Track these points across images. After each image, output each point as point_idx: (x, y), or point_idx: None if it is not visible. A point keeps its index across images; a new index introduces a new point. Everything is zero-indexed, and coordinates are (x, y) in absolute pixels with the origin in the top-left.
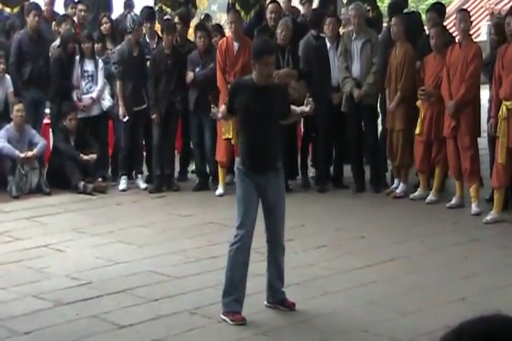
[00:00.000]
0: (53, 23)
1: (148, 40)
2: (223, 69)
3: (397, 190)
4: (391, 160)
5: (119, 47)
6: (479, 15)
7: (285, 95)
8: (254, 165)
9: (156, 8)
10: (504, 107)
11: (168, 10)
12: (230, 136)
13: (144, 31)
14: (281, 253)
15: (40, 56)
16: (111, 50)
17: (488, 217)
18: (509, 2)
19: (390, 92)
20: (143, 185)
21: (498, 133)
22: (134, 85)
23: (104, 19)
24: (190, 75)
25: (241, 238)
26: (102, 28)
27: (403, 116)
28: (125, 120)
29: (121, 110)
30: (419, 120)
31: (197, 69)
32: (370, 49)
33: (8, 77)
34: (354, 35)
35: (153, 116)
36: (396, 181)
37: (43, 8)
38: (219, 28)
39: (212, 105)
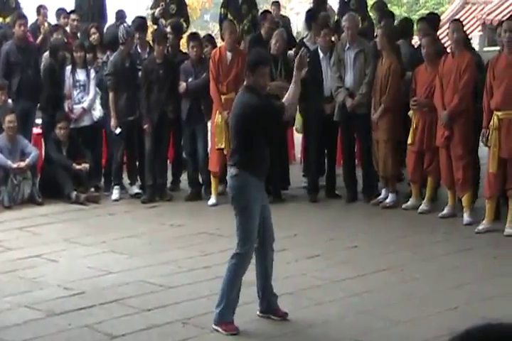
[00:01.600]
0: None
1: (139, 50)
2: (216, 79)
3: (387, 200)
4: (378, 171)
5: (112, 58)
6: (471, 26)
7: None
8: (261, 170)
9: (149, 17)
10: (495, 117)
11: (162, 20)
12: (223, 146)
13: (136, 41)
14: (272, 256)
15: (29, 66)
16: (101, 59)
17: (480, 227)
18: (501, 13)
19: (375, 103)
20: (136, 190)
21: (489, 143)
22: (128, 95)
23: (93, 30)
24: (182, 85)
25: (248, 254)
26: (90, 38)
27: (387, 127)
28: (117, 132)
29: (112, 122)
30: (411, 130)
31: (190, 80)
32: (363, 59)
33: None
34: (347, 45)
35: (145, 126)
36: (384, 191)
37: (38, 17)
38: (210, 38)
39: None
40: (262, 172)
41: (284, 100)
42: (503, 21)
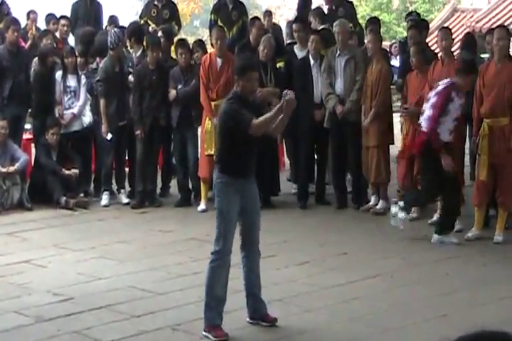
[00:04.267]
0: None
1: (134, 54)
2: (206, 85)
3: (377, 207)
4: (367, 177)
5: (102, 64)
6: (460, 33)
7: (263, 112)
8: (238, 170)
9: (142, 22)
10: (485, 124)
11: (153, 25)
12: (212, 152)
13: (128, 46)
14: (258, 259)
15: (20, 71)
16: (91, 63)
17: (470, 234)
18: (490, 20)
19: (365, 109)
20: (125, 200)
21: (479, 150)
22: (118, 101)
23: (63, 21)
24: (172, 93)
25: (222, 253)
26: (58, 30)
27: (377, 133)
28: (109, 138)
29: (104, 127)
30: (401, 137)
31: (179, 86)
32: (353, 66)
33: None
34: (338, 51)
35: (137, 132)
36: (373, 198)
37: (27, 22)
38: (201, 43)
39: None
40: (238, 175)
41: (262, 119)
42: (493, 29)
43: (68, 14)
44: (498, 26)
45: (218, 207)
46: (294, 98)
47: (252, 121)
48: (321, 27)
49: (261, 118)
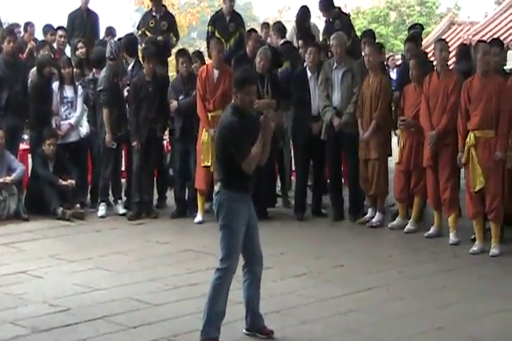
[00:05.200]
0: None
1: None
2: (203, 97)
3: (374, 220)
4: (365, 190)
5: (103, 73)
6: (457, 46)
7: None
8: (245, 185)
9: (139, 32)
10: (472, 135)
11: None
12: (209, 164)
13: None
14: (261, 272)
15: (17, 82)
16: (88, 76)
17: (475, 248)
18: (487, 33)
19: (362, 122)
20: (122, 211)
21: (464, 160)
22: (118, 111)
23: (80, 44)
24: (174, 104)
25: (229, 270)
26: (77, 52)
27: (378, 145)
28: (114, 146)
29: (108, 137)
30: (398, 149)
31: (180, 97)
32: (350, 78)
33: None
34: (335, 64)
35: (134, 144)
36: (370, 211)
37: (24, 34)
38: (199, 54)
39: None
40: (244, 189)
41: (251, 154)
42: (476, 43)
43: (65, 24)
44: (479, 41)
45: (227, 225)
46: (270, 121)
47: (247, 156)
48: (282, 41)
49: (250, 155)
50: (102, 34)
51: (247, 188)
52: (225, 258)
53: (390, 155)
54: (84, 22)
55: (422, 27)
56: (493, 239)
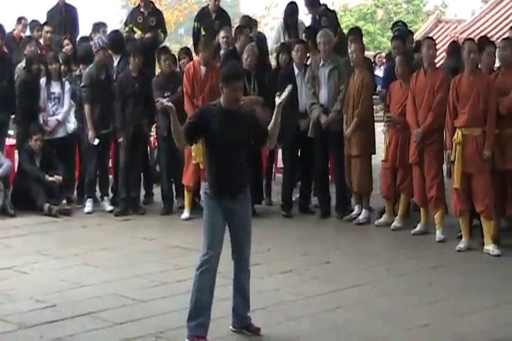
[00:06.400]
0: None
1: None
2: (191, 94)
3: (360, 217)
4: (350, 187)
5: (87, 69)
6: (444, 44)
7: (256, 120)
8: (222, 189)
9: (127, 29)
10: (459, 132)
11: (139, 32)
12: (200, 161)
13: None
14: (246, 278)
15: (4, 78)
16: (75, 71)
17: (461, 245)
18: (474, 31)
19: (347, 118)
20: (109, 207)
21: (452, 157)
22: (102, 108)
23: (66, 41)
24: (161, 101)
25: (207, 261)
26: (63, 50)
27: (360, 142)
28: (96, 143)
29: (90, 133)
30: (384, 146)
31: (166, 94)
32: (337, 76)
33: None
34: (322, 61)
35: (120, 140)
36: (356, 208)
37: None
38: (187, 50)
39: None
40: (220, 187)
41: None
42: (464, 41)
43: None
44: (466, 39)
45: (204, 220)
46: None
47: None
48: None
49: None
50: (82, 26)
51: (223, 185)
52: (203, 249)
53: (374, 152)
54: (63, 18)
55: (404, 24)
56: (485, 236)
